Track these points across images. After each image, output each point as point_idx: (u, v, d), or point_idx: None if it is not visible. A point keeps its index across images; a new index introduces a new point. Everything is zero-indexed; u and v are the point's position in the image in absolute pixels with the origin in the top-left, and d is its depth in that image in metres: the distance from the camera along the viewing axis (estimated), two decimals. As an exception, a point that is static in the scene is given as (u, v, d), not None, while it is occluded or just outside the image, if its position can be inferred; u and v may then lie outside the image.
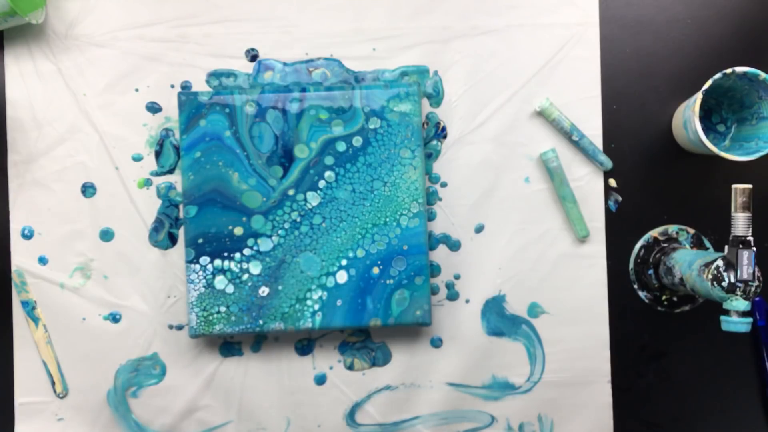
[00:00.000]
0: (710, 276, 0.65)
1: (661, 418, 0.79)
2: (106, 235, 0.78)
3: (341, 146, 0.75)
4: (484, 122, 0.78)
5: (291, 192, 0.75)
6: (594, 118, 0.78)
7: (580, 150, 0.78)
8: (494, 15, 0.78)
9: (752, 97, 0.73)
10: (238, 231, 0.74)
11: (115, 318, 0.78)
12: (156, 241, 0.78)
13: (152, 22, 0.78)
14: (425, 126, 0.78)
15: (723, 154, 0.70)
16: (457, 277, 0.78)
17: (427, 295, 0.75)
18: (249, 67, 0.78)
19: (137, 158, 0.78)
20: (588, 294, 0.78)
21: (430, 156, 0.78)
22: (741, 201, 0.65)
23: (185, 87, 0.78)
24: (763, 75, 0.70)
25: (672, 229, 0.78)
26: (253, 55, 0.78)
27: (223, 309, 0.74)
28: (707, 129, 0.78)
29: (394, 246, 0.74)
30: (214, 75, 0.78)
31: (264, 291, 0.74)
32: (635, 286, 0.79)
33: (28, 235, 0.77)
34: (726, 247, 0.65)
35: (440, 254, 0.78)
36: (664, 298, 0.78)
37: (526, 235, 0.78)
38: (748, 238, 0.64)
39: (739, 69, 0.70)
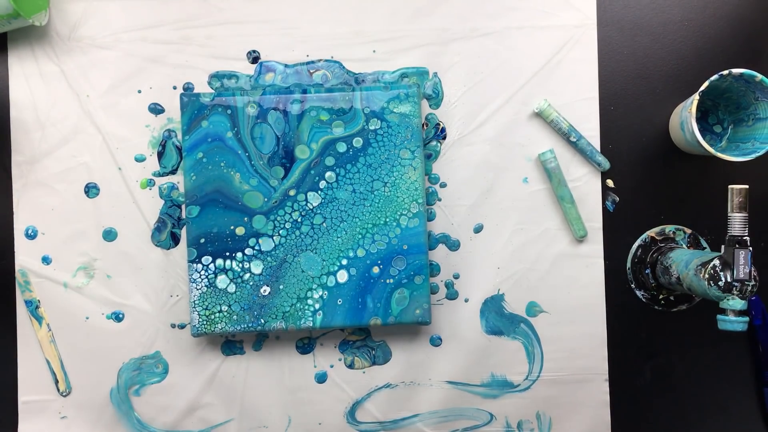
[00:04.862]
0: (707, 275, 0.65)
1: (658, 416, 0.80)
2: (109, 235, 0.78)
3: (342, 147, 0.75)
4: (483, 123, 0.79)
5: (292, 192, 0.75)
6: (592, 119, 0.79)
7: (578, 151, 0.79)
8: (493, 17, 0.79)
9: (748, 99, 0.74)
10: (240, 231, 0.75)
11: (118, 317, 0.78)
12: (158, 241, 0.78)
13: (155, 24, 0.78)
14: (425, 127, 0.79)
15: (720, 154, 0.70)
16: (456, 277, 0.79)
17: (427, 295, 0.75)
18: (250, 69, 0.78)
19: (140, 159, 0.78)
20: (586, 293, 0.79)
21: (430, 157, 0.79)
22: (737, 201, 0.65)
23: (187, 88, 0.78)
24: (759, 76, 0.70)
25: (669, 228, 0.79)
26: (254, 57, 0.79)
27: (224, 308, 0.75)
28: (704, 130, 0.78)
29: (394, 246, 0.75)
30: (216, 76, 0.78)
31: (265, 290, 0.75)
32: (632, 286, 0.79)
33: (31, 234, 0.78)
34: (723, 246, 0.66)
35: (440, 254, 0.79)
36: (661, 297, 0.79)
37: (525, 235, 0.79)
38: (744, 238, 0.65)
39: (736, 70, 0.70)
